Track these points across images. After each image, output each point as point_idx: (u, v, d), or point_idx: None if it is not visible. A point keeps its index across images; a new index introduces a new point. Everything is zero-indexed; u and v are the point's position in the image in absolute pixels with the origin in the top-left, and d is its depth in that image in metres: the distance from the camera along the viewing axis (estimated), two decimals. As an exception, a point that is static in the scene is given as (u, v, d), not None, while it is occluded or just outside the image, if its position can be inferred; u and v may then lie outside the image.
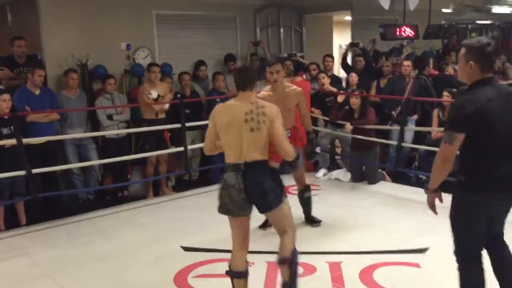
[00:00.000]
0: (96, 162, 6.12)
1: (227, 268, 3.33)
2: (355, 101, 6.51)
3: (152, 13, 7.62)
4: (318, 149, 5.28)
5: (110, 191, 6.52)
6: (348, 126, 6.45)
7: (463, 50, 2.90)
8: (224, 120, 3.21)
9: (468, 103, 2.76)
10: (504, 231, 3.10)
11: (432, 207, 3.11)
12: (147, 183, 6.50)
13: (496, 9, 14.77)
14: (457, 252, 3.07)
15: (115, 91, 6.47)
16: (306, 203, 5.11)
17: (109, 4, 7.10)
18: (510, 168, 2.82)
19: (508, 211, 3.05)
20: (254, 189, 3.16)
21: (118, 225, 5.35)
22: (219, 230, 4.92)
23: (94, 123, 6.46)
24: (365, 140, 6.41)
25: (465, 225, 3.02)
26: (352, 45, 8.69)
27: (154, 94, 6.28)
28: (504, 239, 3.10)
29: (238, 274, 3.29)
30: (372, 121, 6.52)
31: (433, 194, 3.06)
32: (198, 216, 5.44)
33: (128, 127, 6.57)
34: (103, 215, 5.70)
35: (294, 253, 3.27)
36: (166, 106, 6.39)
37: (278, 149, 3.27)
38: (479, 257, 2.98)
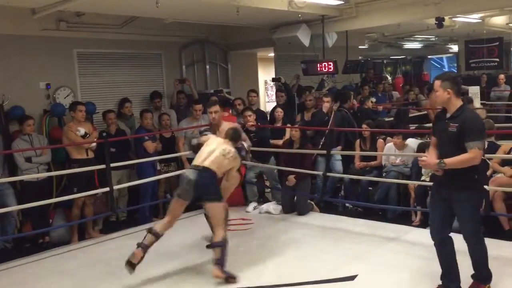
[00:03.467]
0: (14, 208, 5.75)
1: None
2: (295, 134, 6.71)
3: (73, 52, 7.47)
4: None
5: (30, 238, 6.13)
6: (291, 179, 6.62)
7: (438, 82, 3.77)
8: (209, 140, 4.93)
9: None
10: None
11: (436, 171, 3.88)
12: (71, 227, 6.19)
13: (408, 45, 15.90)
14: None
15: (34, 132, 6.19)
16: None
17: (27, 43, 6.88)
18: None
19: None
20: (200, 182, 4.50)
21: (39, 274, 5.01)
22: (146, 273, 4.78)
23: (11, 167, 6.11)
24: (297, 171, 6.56)
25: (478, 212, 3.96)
26: (274, 80, 8.98)
27: (81, 131, 6.09)
28: None
29: (157, 235, 4.54)
30: (310, 149, 6.80)
31: (439, 169, 3.79)
32: (126, 259, 5.22)
33: (49, 169, 6.27)
34: (22, 264, 5.32)
35: (224, 240, 4.47)
36: (94, 144, 6.20)
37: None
38: None
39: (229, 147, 4.82)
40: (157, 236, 4.54)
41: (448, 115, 3.80)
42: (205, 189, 4.53)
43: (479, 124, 3.74)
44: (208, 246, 4.54)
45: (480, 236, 3.96)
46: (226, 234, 4.54)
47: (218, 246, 4.45)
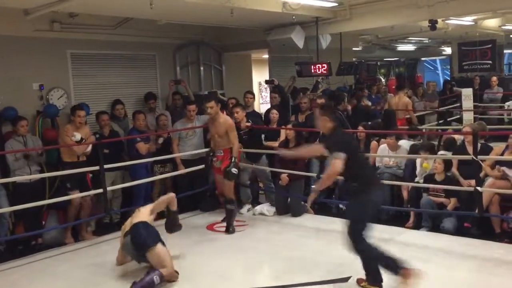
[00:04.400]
0: (6, 209, 5.71)
1: None
2: (289, 132, 6.71)
3: (67, 53, 7.44)
4: (234, 171, 5.98)
5: (23, 239, 6.08)
6: (284, 178, 6.65)
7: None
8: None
9: None
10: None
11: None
12: (65, 228, 6.15)
13: (402, 47, 15.97)
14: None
15: (28, 133, 6.16)
16: (227, 213, 6.10)
17: (20, 43, 6.85)
18: None
19: None
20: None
21: (31, 276, 4.98)
22: (141, 274, 4.77)
23: (4, 168, 6.07)
24: (291, 172, 6.56)
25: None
26: (267, 83, 9.00)
27: (77, 136, 6.02)
28: None
29: None
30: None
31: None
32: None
33: (42, 170, 6.23)
34: (15, 266, 5.29)
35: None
36: (89, 148, 6.17)
37: None
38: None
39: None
40: None
41: None
42: (143, 242, 4.51)
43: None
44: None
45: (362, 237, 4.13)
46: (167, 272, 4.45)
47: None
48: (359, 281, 4.30)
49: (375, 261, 4.12)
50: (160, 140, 6.99)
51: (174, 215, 5.19)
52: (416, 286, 3.94)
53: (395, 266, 4.02)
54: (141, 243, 4.50)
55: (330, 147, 4.21)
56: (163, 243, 4.57)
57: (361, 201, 4.15)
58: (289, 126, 6.93)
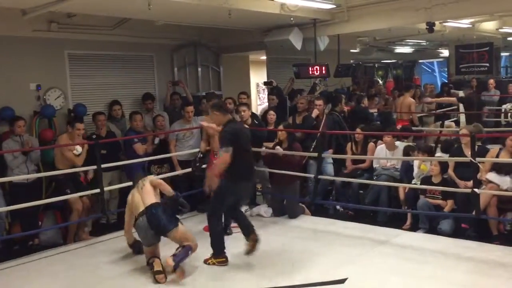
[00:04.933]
0: (3, 209, 5.69)
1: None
2: (282, 133, 6.71)
3: (64, 53, 7.43)
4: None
5: (19, 240, 6.07)
6: (279, 148, 6.66)
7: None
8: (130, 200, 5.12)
9: None
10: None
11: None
12: (67, 229, 6.14)
13: (399, 49, 16.01)
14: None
15: (25, 133, 6.15)
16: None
17: (18, 43, 6.83)
18: None
19: None
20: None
21: (27, 277, 4.96)
22: (138, 275, 4.77)
23: (1, 168, 6.05)
24: (286, 174, 6.56)
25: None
26: (266, 84, 9.00)
27: (79, 149, 6.05)
28: None
29: (155, 257, 4.75)
30: (299, 150, 6.75)
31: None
32: (116, 262, 5.21)
33: (38, 170, 6.22)
34: (11, 266, 5.26)
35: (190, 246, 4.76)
36: (91, 172, 6.34)
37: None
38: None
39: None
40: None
41: None
42: (164, 226, 4.70)
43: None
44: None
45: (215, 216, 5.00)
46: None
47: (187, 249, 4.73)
48: (205, 260, 4.98)
49: (217, 237, 4.98)
50: (156, 141, 6.97)
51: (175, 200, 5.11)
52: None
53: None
54: (161, 227, 4.68)
55: (221, 141, 4.90)
56: (181, 222, 4.85)
57: (226, 187, 4.87)
58: (280, 127, 6.90)
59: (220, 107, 5.15)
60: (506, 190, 5.50)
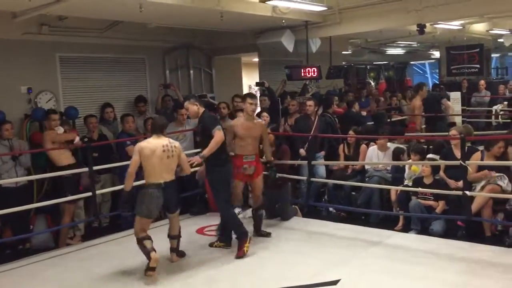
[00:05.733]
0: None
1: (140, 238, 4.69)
2: (271, 137, 6.71)
3: (55, 56, 7.40)
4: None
5: (10, 244, 6.02)
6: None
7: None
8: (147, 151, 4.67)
9: None
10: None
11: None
12: (61, 232, 6.10)
13: (391, 51, 16.08)
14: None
15: (14, 137, 6.10)
16: (258, 219, 5.92)
17: (8, 46, 6.79)
18: None
19: None
20: (169, 198, 4.78)
21: (19, 281, 4.93)
22: (131, 278, 4.75)
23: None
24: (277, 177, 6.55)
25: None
26: (258, 85, 9.00)
27: (61, 129, 6.11)
28: None
29: (149, 237, 4.72)
30: (287, 152, 6.74)
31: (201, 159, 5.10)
32: (108, 266, 5.18)
33: (29, 174, 6.18)
34: (3, 271, 5.22)
35: (180, 230, 5.07)
36: (77, 139, 6.23)
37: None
38: None
39: (162, 142, 4.78)
40: (149, 237, 4.77)
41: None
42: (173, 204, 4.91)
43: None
44: (169, 237, 5.08)
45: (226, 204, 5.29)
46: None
47: (177, 237, 5.09)
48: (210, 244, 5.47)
49: (233, 220, 5.30)
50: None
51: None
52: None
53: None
54: (173, 206, 4.88)
55: (207, 127, 5.09)
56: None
57: (218, 172, 5.20)
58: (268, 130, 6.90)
59: (198, 98, 5.41)
60: (503, 191, 5.53)
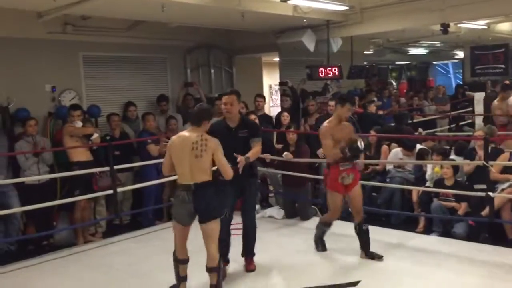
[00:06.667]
0: (17, 209, 5.76)
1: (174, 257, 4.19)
2: (291, 137, 6.70)
3: (79, 55, 7.51)
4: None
5: (34, 240, 6.14)
6: (288, 155, 6.57)
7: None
8: (175, 147, 4.04)
9: None
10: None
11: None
12: (76, 229, 6.20)
13: (413, 51, 15.88)
14: None
15: (37, 134, 6.22)
16: (363, 235, 5.08)
17: (33, 46, 6.92)
18: None
19: None
20: (200, 204, 3.98)
21: (42, 277, 5.02)
22: (151, 275, 4.80)
23: (15, 169, 6.13)
24: (297, 177, 6.54)
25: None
26: (281, 84, 8.98)
27: (79, 123, 6.17)
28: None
29: (183, 261, 4.16)
30: (307, 152, 6.73)
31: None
32: (128, 262, 5.24)
33: (52, 171, 6.28)
34: (26, 266, 5.33)
35: (220, 262, 4.12)
36: (96, 135, 6.25)
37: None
38: None
39: (194, 138, 4.00)
40: (184, 262, 4.21)
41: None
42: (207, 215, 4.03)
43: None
44: (207, 270, 4.11)
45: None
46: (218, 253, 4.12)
47: (216, 270, 4.08)
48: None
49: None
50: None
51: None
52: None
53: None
54: (209, 211, 3.99)
55: (254, 132, 4.71)
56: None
57: (256, 183, 5.05)
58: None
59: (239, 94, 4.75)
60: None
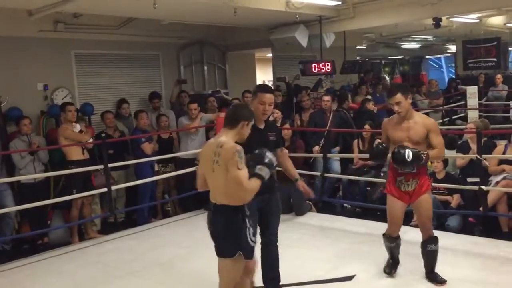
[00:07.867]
0: (12, 208, 5.74)
1: None
2: (286, 132, 6.70)
3: (71, 53, 7.47)
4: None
5: (28, 239, 6.12)
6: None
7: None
8: (202, 155, 3.25)
9: None
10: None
11: None
12: (70, 228, 6.17)
13: (406, 45, 15.92)
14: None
15: (32, 133, 6.19)
16: (428, 257, 4.29)
17: (24, 44, 6.88)
18: None
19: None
20: (214, 231, 3.20)
21: (37, 275, 5.00)
22: (147, 273, 4.79)
23: (9, 168, 6.10)
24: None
25: None
26: (279, 80, 9.01)
27: (77, 126, 6.12)
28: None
29: None
30: (302, 147, 6.77)
31: None
32: (124, 260, 5.23)
33: (46, 170, 6.26)
34: (20, 265, 5.30)
35: None
36: (90, 139, 6.22)
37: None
38: None
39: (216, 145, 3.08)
40: None
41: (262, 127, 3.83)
42: (217, 238, 3.21)
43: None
44: None
45: None
46: None
47: None
48: None
49: None
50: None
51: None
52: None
53: None
54: (216, 241, 3.22)
55: (279, 138, 4.13)
56: (244, 253, 3.17)
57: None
58: (287, 125, 6.89)
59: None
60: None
